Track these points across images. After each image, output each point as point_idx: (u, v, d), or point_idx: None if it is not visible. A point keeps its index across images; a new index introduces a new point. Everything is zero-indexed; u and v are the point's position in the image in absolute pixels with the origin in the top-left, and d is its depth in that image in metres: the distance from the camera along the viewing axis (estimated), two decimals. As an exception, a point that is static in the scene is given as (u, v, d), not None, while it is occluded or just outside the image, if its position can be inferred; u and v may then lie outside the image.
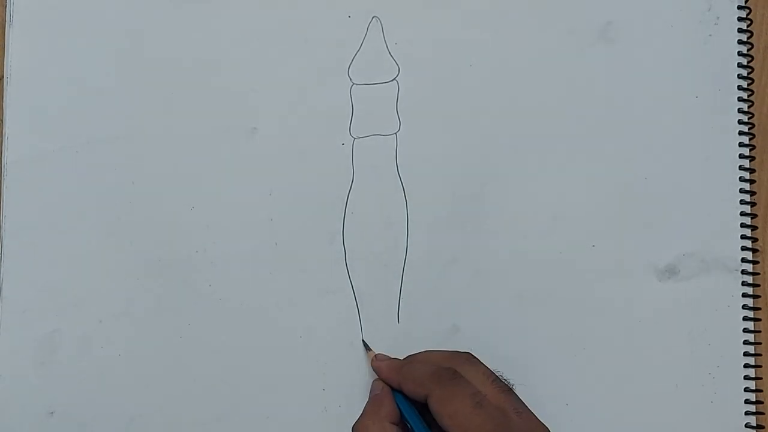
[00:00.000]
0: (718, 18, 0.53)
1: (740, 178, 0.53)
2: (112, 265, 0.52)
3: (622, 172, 0.53)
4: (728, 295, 0.53)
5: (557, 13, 0.53)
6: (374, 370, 0.50)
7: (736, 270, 0.53)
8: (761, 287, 0.53)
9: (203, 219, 0.52)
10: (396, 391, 0.48)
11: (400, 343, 0.51)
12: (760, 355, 0.52)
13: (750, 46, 0.53)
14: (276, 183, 0.52)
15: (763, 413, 0.52)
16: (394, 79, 0.53)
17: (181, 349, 0.51)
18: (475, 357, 0.48)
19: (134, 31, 0.53)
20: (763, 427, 0.52)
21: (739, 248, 0.53)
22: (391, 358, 0.50)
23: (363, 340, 0.51)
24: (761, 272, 0.53)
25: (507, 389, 0.46)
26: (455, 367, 0.47)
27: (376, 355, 0.51)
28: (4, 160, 0.52)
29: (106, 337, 0.52)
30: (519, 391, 0.46)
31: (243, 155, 0.52)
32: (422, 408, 0.46)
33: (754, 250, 0.53)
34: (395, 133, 0.53)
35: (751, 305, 0.53)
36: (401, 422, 0.47)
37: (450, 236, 0.52)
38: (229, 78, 0.53)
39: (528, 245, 0.52)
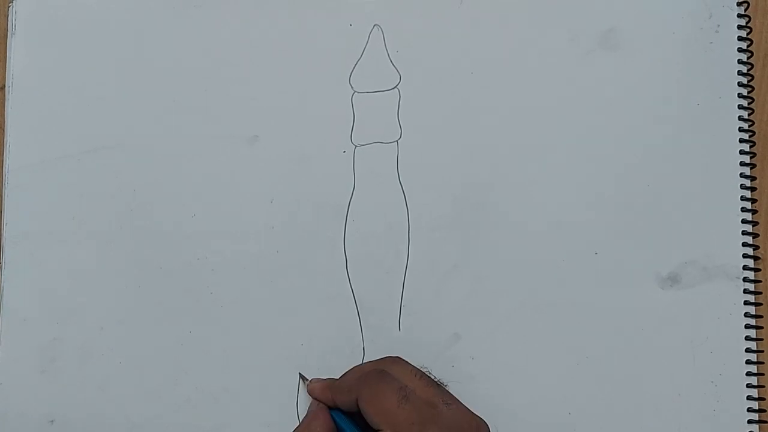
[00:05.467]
0: (718, 26, 0.54)
1: (741, 185, 0.53)
2: (113, 272, 0.52)
3: (624, 179, 0.53)
4: (730, 303, 0.52)
5: (558, 20, 0.54)
6: (309, 393, 0.50)
7: (738, 278, 0.53)
8: (763, 295, 0.53)
9: (204, 226, 0.52)
10: (333, 409, 0.48)
11: (401, 350, 0.51)
12: (762, 363, 0.52)
13: (750, 54, 0.54)
14: (277, 190, 0.53)
15: (766, 422, 0.52)
16: (396, 87, 0.53)
17: (182, 357, 0.51)
18: (402, 359, 0.48)
19: (135, 40, 0.53)
20: (766, 436, 0.52)
21: (741, 256, 0.53)
22: (324, 380, 0.50)
23: (300, 373, 0.51)
24: (763, 279, 0.53)
25: (435, 384, 0.46)
26: (382, 368, 0.47)
27: (310, 381, 0.50)
28: (5, 168, 0.52)
29: (107, 345, 0.52)
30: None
31: (244, 163, 0.53)
32: (364, 423, 0.46)
33: (755, 258, 0.53)
34: (396, 141, 0.53)
35: (753, 313, 0.52)
36: None
37: (451, 244, 0.52)
38: (231, 86, 0.53)
39: (530, 253, 0.52)
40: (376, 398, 0.44)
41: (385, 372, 0.46)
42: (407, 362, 0.48)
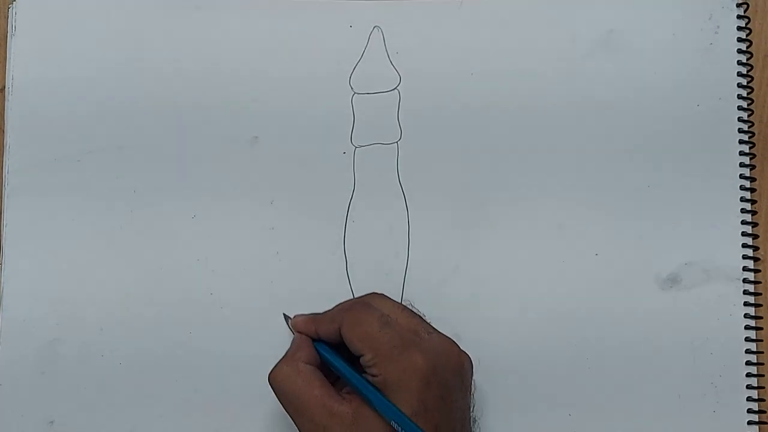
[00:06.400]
0: (718, 27, 0.54)
1: (741, 186, 0.53)
2: (112, 273, 0.52)
3: (624, 181, 0.53)
4: (730, 304, 0.52)
5: (559, 22, 0.54)
6: (292, 327, 0.49)
7: (738, 279, 0.53)
8: (763, 296, 0.53)
9: (205, 228, 0.52)
10: (317, 341, 0.48)
11: (402, 351, 0.51)
12: (762, 364, 0.52)
13: (750, 55, 0.54)
14: (277, 192, 0.53)
15: (765, 423, 0.52)
16: (396, 88, 0.53)
17: (182, 358, 0.51)
18: (386, 295, 0.49)
19: (135, 41, 0.53)
20: (766, 437, 0.52)
21: (741, 257, 0.53)
22: (308, 315, 0.50)
23: (284, 314, 0.51)
24: (762, 281, 0.53)
25: (418, 316, 0.47)
26: (365, 300, 0.47)
27: (294, 316, 0.50)
28: (5, 169, 0.52)
29: (107, 346, 0.51)
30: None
31: (244, 164, 0.53)
32: (350, 357, 0.46)
33: (755, 259, 0.53)
34: (396, 142, 0.53)
35: (753, 314, 0.52)
36: (324, 368, 0.47)
37: (451, 245, 0.52)
38: (231, 87, 0.53)
39: (530, 254, 0.52)
40: (359, 325, 0.45)
41: (368, 303, 0.47)
42: (390, 298, 0.48)
